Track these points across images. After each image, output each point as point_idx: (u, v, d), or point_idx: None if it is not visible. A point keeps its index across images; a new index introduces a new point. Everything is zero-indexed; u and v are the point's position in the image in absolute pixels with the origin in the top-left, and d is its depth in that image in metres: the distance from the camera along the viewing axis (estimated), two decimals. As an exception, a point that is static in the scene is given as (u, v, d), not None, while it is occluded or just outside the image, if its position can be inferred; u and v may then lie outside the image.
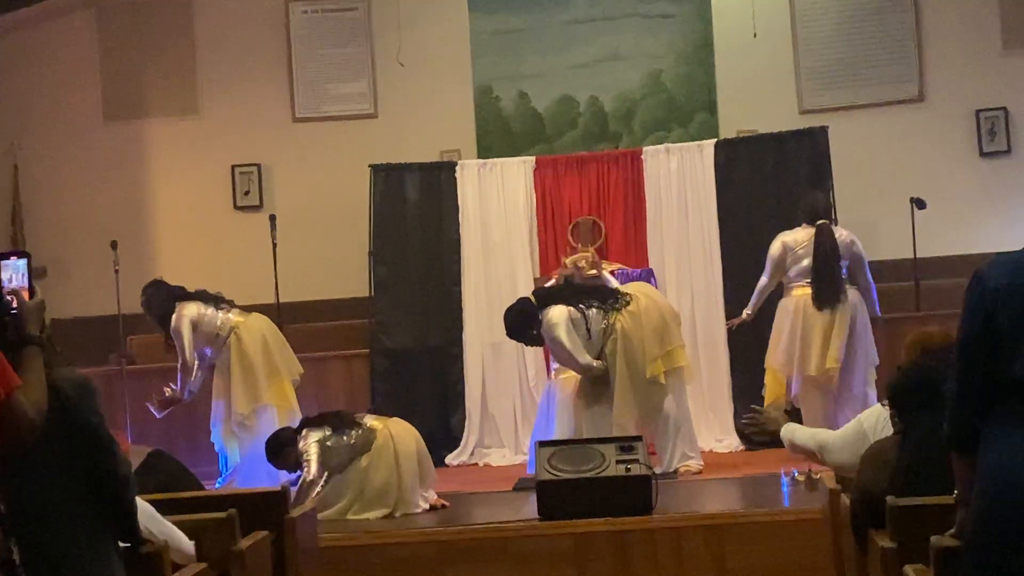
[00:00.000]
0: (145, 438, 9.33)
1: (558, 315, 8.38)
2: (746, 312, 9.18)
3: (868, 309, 8.99)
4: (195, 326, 8.77)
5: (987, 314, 3.05)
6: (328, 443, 7.50)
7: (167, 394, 8.81)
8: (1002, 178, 10.99)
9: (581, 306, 8.45)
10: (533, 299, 8.65)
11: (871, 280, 9.08)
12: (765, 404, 8.62)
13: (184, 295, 8.88)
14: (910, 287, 10.27)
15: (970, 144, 11.29)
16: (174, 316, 8.75)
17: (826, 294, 8.84)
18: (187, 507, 5.45)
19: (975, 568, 3.04)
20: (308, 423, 7.68)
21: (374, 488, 7.54)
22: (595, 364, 8.43)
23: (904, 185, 10.65)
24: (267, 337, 8.97)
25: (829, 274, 8.84)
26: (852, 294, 8.91)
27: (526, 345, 9.00)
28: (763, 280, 9.09)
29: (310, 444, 7.47)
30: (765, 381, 9.07)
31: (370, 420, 7.77)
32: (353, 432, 7.59)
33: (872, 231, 10.80)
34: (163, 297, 8.88)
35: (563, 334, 8.34)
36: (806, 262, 8.89)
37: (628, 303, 8.51)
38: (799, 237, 8.97)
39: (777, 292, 9.17)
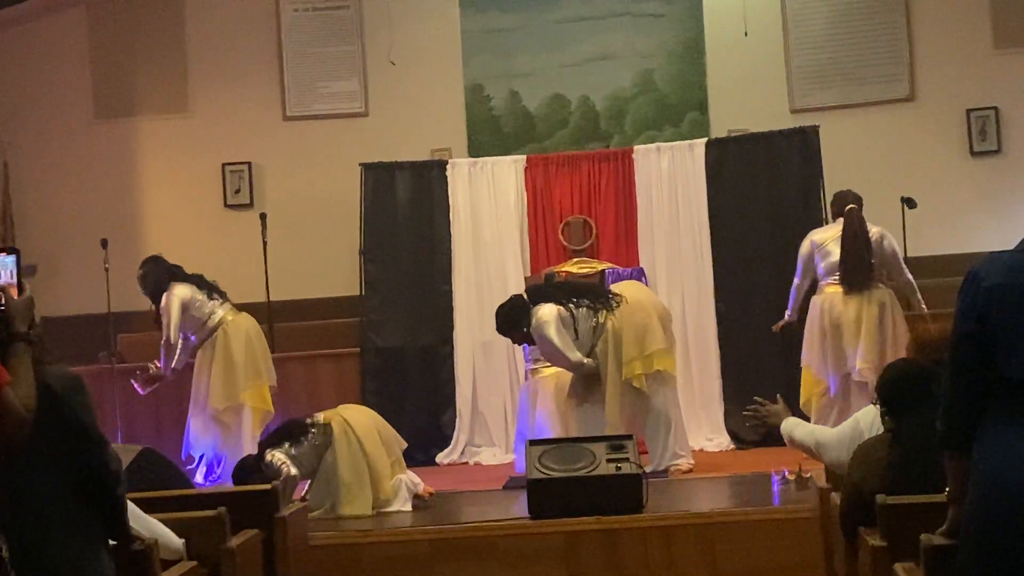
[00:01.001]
0: (135, 436, 9.33)
1: (548, 313, 8.38)
2: (787, 314, 9.02)
3: (914, 306, 8.76)
4: (185, 308, 8.85)
5: (980, 314, 3.04)
6: (292, 453, 7.53)
7: (151, 371, 8.90)
8: (993, 177, 11.00)
9: (571, 305, 8.45)
10: (525, 296, 8.65)
11: (910, 277, 8.82)
12: (801, 403, 8.64)
13: (181, 275, 8.95)
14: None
15: (961, 144, 11.30)
16: (166, 294, 8.81)
17: (855, 277, 8.59)
18: (177, 505, 5.46)
19: (969, 567, 3.04)
20: (265, 444, 7.69)
21: (348, 478, 7.57)
22: (586, 361, 8.43)
23: (895, 184, 10.65)
24: (252, 339, 9.00)
25: (857, 256, 8.60)
26: (882, 292, 8.67)
27: (515, 343, 8.95)
28: (796, 280, 8.92)
29: (277, 458, 7.48)
30: (801, 379, 8.93)
31: (320, 416, 7.79)
32: (310, 434, 7.62)
33: (863, 230, 10.83)
34: (159, 273, 8.97)
35: (553, 332, 8.34)
36: (835, 257, 8.68)
37: (619, 304, 8.51)
38: (828, 233, 8.84)
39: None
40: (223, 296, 9.06)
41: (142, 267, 9.11)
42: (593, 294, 8.66)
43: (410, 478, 7.86)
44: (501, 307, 8.66)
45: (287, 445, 7.58)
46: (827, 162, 10.34)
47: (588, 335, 8.46)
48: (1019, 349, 2.94)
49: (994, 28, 11.31)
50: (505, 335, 8.77)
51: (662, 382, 8.58)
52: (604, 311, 8.48)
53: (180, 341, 8.87)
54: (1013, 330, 2.95)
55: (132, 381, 9.07)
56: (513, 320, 8.54)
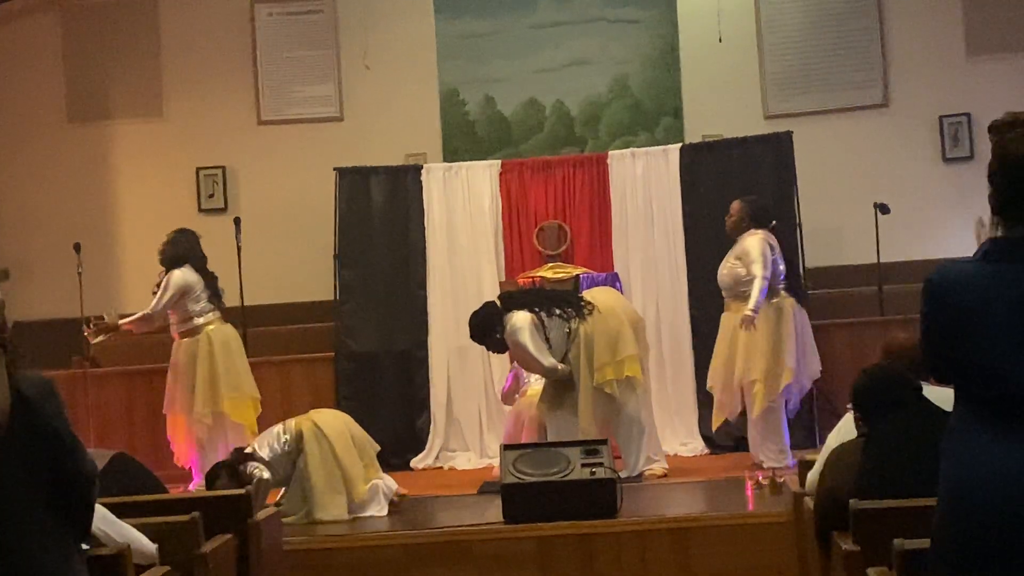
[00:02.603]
0: (108, 441, 9.29)
1: (522, 320, 8.40)
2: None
3: None
4: (182, 293, 8.81)
5: (954, 327, 3.01)
6: (267, 459, 7.55)
7: (105, 319, 8.85)
8: (965, 183, 11.04)
9: (543, 312, 8.47)
10: (498, 303, 8.66)
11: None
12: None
13: (198, 264, 8.90)
14: (874, 292, 10.33)
15: (934, 150, 11.36)
16: (174, 271, 8.79)
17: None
18: (150, 510, 5.44)
19: (938, 572, 3.05)
20: (239, 450, 7.70)
21: (320, 482, 7.58)
22: (559, 366, 8.44)
23: (868, 190, 10.71)
24: (234, 351, 8.97)
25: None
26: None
27: (489, 350, 8.94)
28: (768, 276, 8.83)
29: (250, 463, 7.49)
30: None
31: (292, 422, 7.80)
32: (283, 439, 7.64)
33: (836, 236, 10.89)
34: (183, 249, 8.92)
35: (527, 338, 8.35)
36: (782, 266, 8.95)
37: (591, 311, 8.52)
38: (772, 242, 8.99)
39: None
40: (220, 306, 9.02)
41: (174, 233, 9.06)
42: (566, 301, 8.67)
43: (386, 483, 7.87)
44: (475, 314, 8.67)
45: (263, 450, 7.60)
46: (801, 168, 10.38)
47: (561, 342, 8.47)
48: (994, 366, 2.93)
49: (967, 36, 11.37)
50: (479, 343, 8.76)
51: (633, 387, 8.59)
52: (576, 318, 8.49)
53: (161, 315, 8.86)
54: (992, 347, 2.94)
55: (84, 329, 9.01)
56: (486, 327, 8.55)
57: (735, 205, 9.13)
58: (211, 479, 7.46)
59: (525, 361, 8.59)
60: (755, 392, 8.75)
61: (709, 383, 9.20)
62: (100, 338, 9.03)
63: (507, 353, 8.90)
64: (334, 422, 7.85)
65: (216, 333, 8.90)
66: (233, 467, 7.45)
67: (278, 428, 7.81)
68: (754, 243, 8.84)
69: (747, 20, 11.51)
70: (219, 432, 8.88)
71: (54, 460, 3.40)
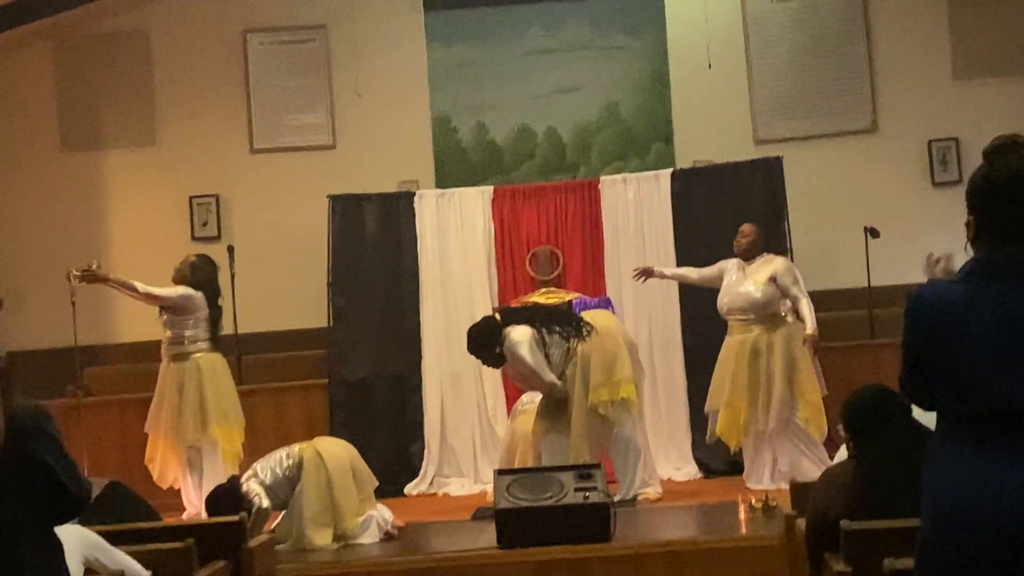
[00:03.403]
0: (102, 470, 9.28)
1: (522, 334, 8.39)
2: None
3: None
4: (182, 307, 8.77)
5: (936, 345, 3.03)
6: (268, 483, 7.56)
7: (94, 267, 8.81)
8: (954, 207, 10.99)
9: (544, 329, 8.47)
10: (498, 317, 8.65)
11: None
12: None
13: (210, 294, 8.87)
14: (864, 315, 10.37)
15: (922, 174, 11.42)
16: (189, 283, 8.79)
17: None
18: (145, 537, 5.46)
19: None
20: (241, 474, 7.73)
21: (311, 510, 7.58)
22: (559, 383, 8.44)
23: (858, 214, 10.75)
24: (221, 378, 8.96)
25: None
26: None
27: (486, 363, 8.82)
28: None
29: (253, 486, 7.52)
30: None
31: (296, 447, 7.82)
32: (285, 464, 7.66)
33: (827, 260, 10.92)
34: (203, 276, 8.94)
35: (527, 352, 8.34)
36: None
37: (590, 332, 8.54)
38: None
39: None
40: (214, 336, 8.99)
41: (197, 257, 9.06)
42: (566, 321, 8.67)
43: (381, 514, 7.85)
44: (474, 327, 8.66)
45: (265, 473, 7.60)
46: (791, 193, 10.43)
47: (560, 360, 8.48)
48: (976, 384, 2.95)
49: (954, 60, 11.45)
50: (476, 355, 8.71)
51: (628, 410, 8.61)
52: (576, 338, 8.51)
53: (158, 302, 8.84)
54: (972, 364, 2.96)
55: (70, 272, 8.94)
56: (485, 339, 8.52)
57: (749, 227, 9.20)
58: (212, 500, 7.47)
59: (524, 376, 8.54)
60: (807, 416, 8.78)
61: (715, 404, 9.15)
62: (84, 282, 8.94)
63: (501, 372, 8.89)
64: (337, 452, 7.84)
65: (204, 360, 8.89)
66: (234, 492, 7.46)
67: (282, 452, 7.81)
68: (787, 264, 9.07)
69: (736, 46, 11.58)
70: (207, 457, 8.87)
71: (48, 484, 3.42)
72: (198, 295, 8.82)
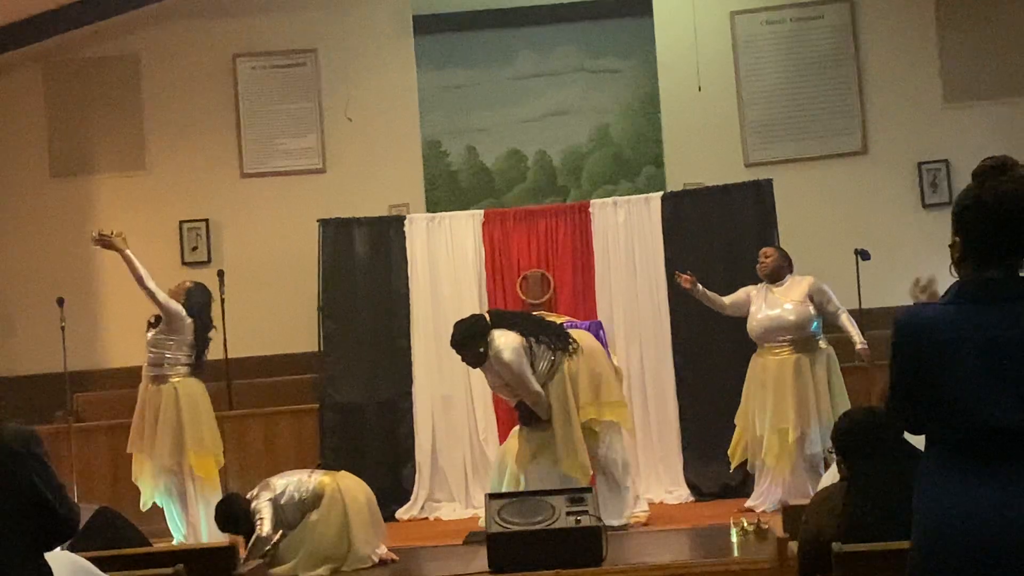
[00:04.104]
0: (92, 496, 9.25)
1: (513, 340, 8.32)
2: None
3: None
4: (169, 323, 8.67)
5: (923, 368, 3.03)
6: (281, 502, 7.52)
7: (114, 233, 8.72)
8: (945, 229, 10.90)
9: (532, 338, 8.43)
10: (487, 317, 8.58)
11: None
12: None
13: (200, 318, 8.79)
14: (856, 337, 10.36)
15: (913, 196, 11.45)
16: (182, 301, 8.73)
17: None
18: (135, 563, 5.43)
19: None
20: (262, 486, 7.68)
21: (324, 543, 7.53)
22: (543, 393, 8.38)
23: (848, 237, 10.76)
24: (199, 405, 8.87)
25: None
26: None
27: (466, 361, 8.59)
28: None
29: (263, 504, 7.47)
30: None
31: (319, 475, 7.77)
32: (304, 488, 7.61)
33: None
34: (195, 305, 8.83)
35: (513, 357, 8.27)
36: None
37: (575, 349, 8.51)
38: None
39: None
40: (198, 363, 8.90)
41: (193, 285, 8.97)
42: (554, 333, 8.61)
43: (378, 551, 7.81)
44: (462, 321, 8.52)
45: (280, 490, 7.54)
46: (781, 215, 10.44)
47: (544, 372, 8.42)
48: (963, 406, 2.95)
49: (944, 83, 11.49)
50: (459, 350, 8.51)
51: (619, 432, 8.60)
52: (561, 351, 8.47)
53: (158, 298, 8.76)
54: (958, 386, 2.96)
55: (96, 233, 8.84)
56: (470, 336, 8.35)
57: (771, 250, 9.23)
58: (224, 506, 7.46)
59: (512, 383, 8.41)
60: None
61: (743, 423, 9.11)
62: (100, 245, 8.87)
63: (492, 396, 8.80)
64: (358, 494, 7.76)
65: (182, 386, 8.79)
66: (244, 504, 7.44)
67: (303, 475, 7.75)
68: (818, 283, 9.09)
69: (726, 69, 11.61)
70: (186, 483, 8.80)
71: (37, 509, 3.41)
72: (188, 320, 8.78)
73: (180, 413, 8.69)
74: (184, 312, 8.72)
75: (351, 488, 7.75)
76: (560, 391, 8.40)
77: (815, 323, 8.98)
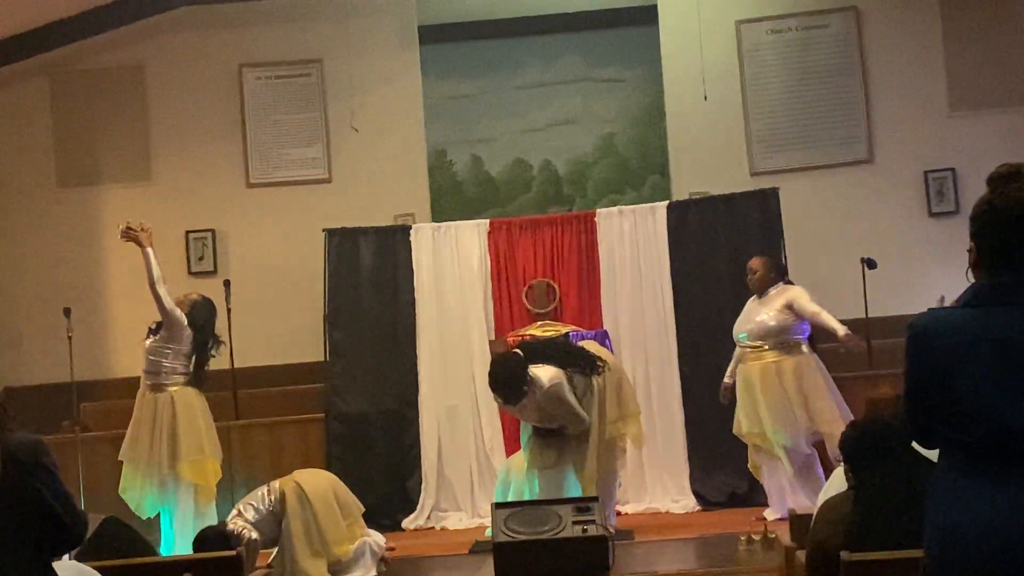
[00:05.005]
0: (99, 505, 9.24)
1: (554, 374, 8.32)
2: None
3: None
4: (177, 323, 8.65)
5: (938, 372, 3.03)
6: (252, 520, 7.54)
7: (140, 229, 8.72)
8: (951, 238, 11.10)
9: (568, 368, 8.44)
10: (520, 354, 8.50)
11: None
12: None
13: (202, 332, 8.77)
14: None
15: (919, 204, 11.44)
16: (186, 312, 8.72)
17: None
18: (141, 573, 5.42)
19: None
20: (232, 516, 7.70)
21: (300, 544, 7.55)
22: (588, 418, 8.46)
23: (855, 245, 10.76)
24: (197, 413, 8.85)
25: None
26: None
27: (505, 400, 8.47)
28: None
29: (238, 525, 7.50)
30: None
31: (275, 483, 7.80)
32: (267, 500, 7.64)
33: (824, 291, 10.84)
34: (199, 319, 8.80)
35: (565, 393, 8.31)
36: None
37: (603, 367, 8.54)
38: None
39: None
40: (197, 373, 8.87)
41: (202, 298, 8.91)
42: (584, 359, 8.60)
43: (374, 540, 7.82)
44: (500, 364, 8.39)
45: (248, 510, 7.59)
46: (787, 224, 10.43)
47: (580, 397, 8.47)
48: (979, 409, 2.95)
49: (949, 91, 11.49)
50: (503, 391, 8.36)
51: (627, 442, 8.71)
52: (595, 375, 8.49)
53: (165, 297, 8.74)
54: (974, 390, 2.96)
55: (124, 224, 8.78)
56: (516, 377, 8.27)
57: (758, 261, 9.19)
58: (199, 542, 7.42)
59: (565, 416, 8.41)
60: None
61: (737, 431, 9.14)
62: (125, 238, 8.86)
63: (523, 414, 8.70)
64: (317, 483, 7.81)
65: (179, 394, 8.77)
66: (220, 529, 7.44)
67: (263, 490, 7.80)
68: (802, 290, 9.06)
69: (732, 78, 11.62)
70: (180, 494, 8.78)
71: (43, 518, 3.41)
72: (187, 331, 8.77)
73: (176, 423, 8.66)
74: (185, 322, 8.72)
75: (309, 480, 7.80)
76: (592, 413, 8.47)
77: (795, 327, 8.95)
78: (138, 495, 8.77)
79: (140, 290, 11.11)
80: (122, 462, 8.80)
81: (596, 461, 8.42)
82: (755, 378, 8.94)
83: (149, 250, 8.63)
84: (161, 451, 8.62)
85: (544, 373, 8.32)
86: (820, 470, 8.82)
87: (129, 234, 8.72)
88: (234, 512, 7.72)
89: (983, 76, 11.45)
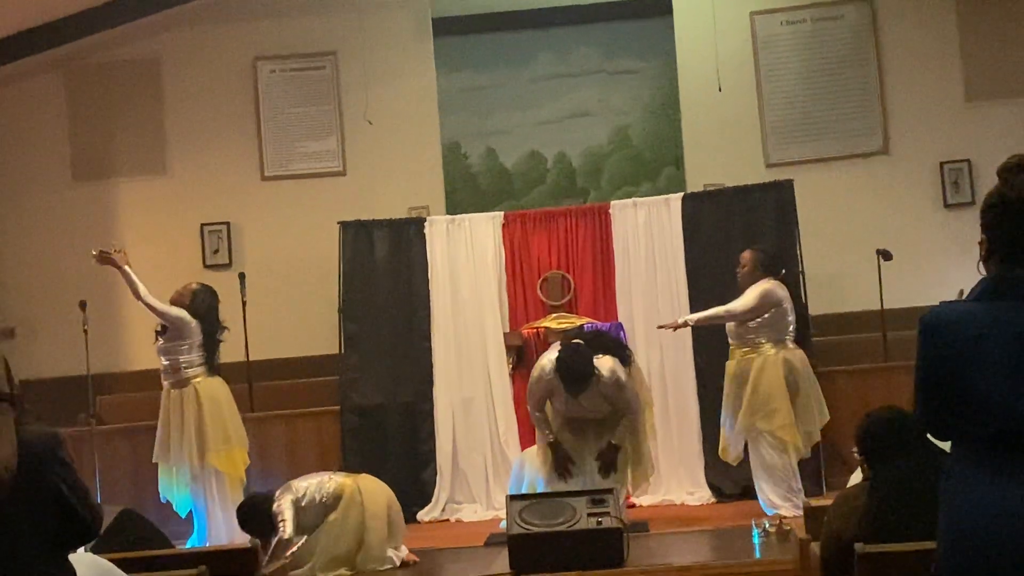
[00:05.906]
0: (114, 498, 9.29)
1: (614, 363, 8.48)
2: (691, 319, 9.20)
3: None
4: (176, 328, 8.72)
5: (950, 365, 3.02)
6: (302, 503, 7.52)
7: (113, 251, 8.80)
8: (966, 229, 11.06)
9: (618, 358, 8.59)
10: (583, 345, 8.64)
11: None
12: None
13: (207, 319, 8.83)
14: (878, 338, 10.33)
15: (935, 196, 11.40)
16: (187, 303, 8.77)
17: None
18: (158, 565, 5.44)
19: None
20: (284, 488, 7.69)
21: (340, 544, 7.55)
22: None
23: (870, 237, 10.74)
24: (222, 403, 8.90)
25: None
26: None
27: (578, 391, 8.45)
28: (748, 314, 8.95)
29: (285, 506, 7.47)
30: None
31: (339, 477, 7.78)
32: (325, 489, 7.62)
33: (839, 283, 10.91)
34: (201, 308, 8.86)
35: (628, 381, 8.52)
36: (791, 316, 9.01)
37: (632, 359, 8.83)
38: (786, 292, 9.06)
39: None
40: (211, 361, 8.92)
41: (200, 286, 9.02)
42: (618, 346, 8.84)
43: (399, 552, 7.82)
44: (574, 355, 8.42)
45: (302, 492, 7.56)
46: (802, 215, 10.40)
47: None
48: (992, 402, 2.94)
49: (965, 82, 11.44)
50: (583, 384, 8.40)
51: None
52: (630, 363, 8.74)
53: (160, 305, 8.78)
54: (987, 383, 2.95)
55: (96, 250, 8.87)
56: (590, 372, 8.38)
57: (746, 255, 9.16)
58: (244, 509, 7.48)
59: (630, 403, 8.54)
60: (780, 440, 8.77)
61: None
62: (101, 262, 8.93)
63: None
64: (378, 496, 7.76)
65: (203, 386, 8.84)
66: (266, 506, 7.45)
67: (324, 476, 7.77)
68: (754, 288, 8.94)
69: (746, 70, 11.59)
70: (214, 484, 8.83)
71: (60, 511, 3.42)
72: (193, 322, 8.81)
73: (202, 415, 8.74)
74: (187, 315, 8.76)
75: (371, 490, 7.75)
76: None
77: (754, 326, 8.91)
78: (176, 494, 8.85)
79: (156, 282, 11.19)
80: (151, 460, 8.90)
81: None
82: (728, 375, 9.06)
83: (127, 268, 8.78)
84: (191, 447, 8.69)
85: (603, 363, 8.42)
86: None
87: (103, 257, 8.80)
88: (284, 488, 7.67)
89: (999, 65, 11.40)
